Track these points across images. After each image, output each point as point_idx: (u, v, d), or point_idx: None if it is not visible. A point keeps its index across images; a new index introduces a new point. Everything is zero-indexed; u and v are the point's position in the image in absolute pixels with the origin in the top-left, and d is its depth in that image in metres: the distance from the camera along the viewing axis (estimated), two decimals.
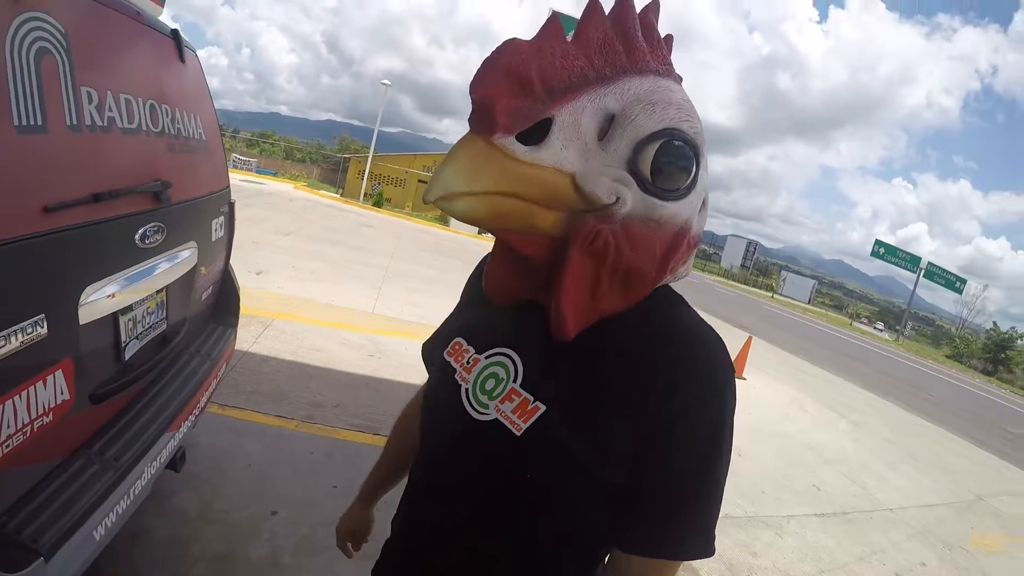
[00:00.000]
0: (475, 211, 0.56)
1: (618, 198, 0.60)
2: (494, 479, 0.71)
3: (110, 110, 1.53)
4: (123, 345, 1.71)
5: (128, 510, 1.57)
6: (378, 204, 21.69)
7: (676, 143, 0.60)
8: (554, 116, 0.56)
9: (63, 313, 1.38)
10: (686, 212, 0.65)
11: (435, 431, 0.81)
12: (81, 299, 1.45)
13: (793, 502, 3.95)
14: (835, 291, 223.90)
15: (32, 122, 1.24)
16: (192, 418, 2.04)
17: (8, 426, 1.21)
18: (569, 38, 0.59)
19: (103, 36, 1.54)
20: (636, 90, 0.60)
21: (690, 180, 0.63)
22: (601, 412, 0.66)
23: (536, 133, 0.56)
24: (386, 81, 26.15)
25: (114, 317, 1.65)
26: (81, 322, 1.45)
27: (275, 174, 25.26)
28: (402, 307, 6.66)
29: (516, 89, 0.55)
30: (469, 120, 0.56)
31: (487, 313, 0.78)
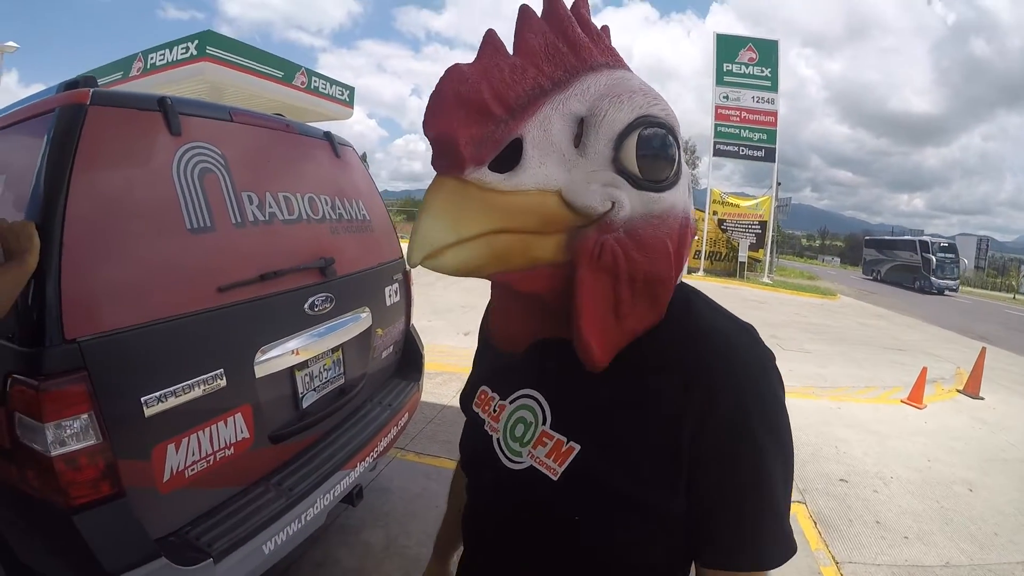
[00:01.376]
0: (471, 260, 0.51)
1: (614, 203, 0.55)
2: (542, 529, 0.67)
3: (271, 207, 1.95)
4: (300, 395, 2.08)
5: (300, 533, 1.86)
6: None
7: (654, 129, 0.56)
8: (523, 135, 0.51)
9: (240, 369, 1.76)
10: (681, 199, 0.61)
11: (475, 484, 0.79)
12: (256, 358, 1.83)
13: None
14: None
15: (201, 224, 1.66)
16: (370, 459, 2.34)
17: (193, 454, 1.59)
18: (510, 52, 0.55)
19: (258, 149, 1.99)
20: (596, 87, 0.56)
21: (676, 164, 0.59)
22: (639, 441, 0.61)
23: (509, 158, 0.51)
24: None
25: (291, 372, 2.02)
26: (257, 376, 1.83)
27: None
28: None
29: (474, 116, 0.49)
30: (433, 163, 0.51)
31: (506, 355, 0.71)
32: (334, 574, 2.39)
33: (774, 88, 20.13)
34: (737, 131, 19.95)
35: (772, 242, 21.78)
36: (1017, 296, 33.32)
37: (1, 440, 1.37)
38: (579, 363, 0.60)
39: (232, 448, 1.73)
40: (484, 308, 0.81)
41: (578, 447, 0.64)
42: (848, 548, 2.91)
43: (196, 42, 9.13)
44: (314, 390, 2.17)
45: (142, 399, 1.44)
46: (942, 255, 29.20)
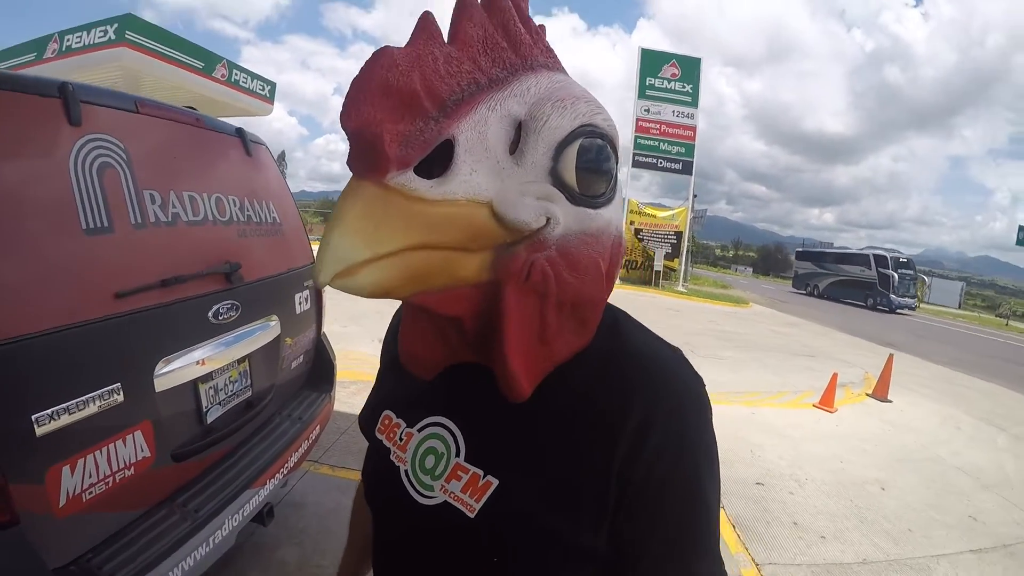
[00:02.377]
0: (386, 279, 0.44)
1: (549, 219, 0.50)
2: (458, 569, 0.60)
3: (174, 207, 1.82)
4: (205, 410, 1.94)
5: (209, 557, 1.74)
6: None
7: (595, 140, 0.51)
8: (455, 136, 0.44)
9: (139, 382, 1.62)
10: (616, 217, 0.56)
11: (382, 518, 0.70)
12: (156, 370, 1.69)
13: (944, 538, 3.39)
14: (986, 290, 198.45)
15: (99, 224, 1.52)
16: (280, 476, 2.23)
17: (90, 476, 1.44)
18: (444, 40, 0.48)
19: (163, 144, 1.85)
20: (536, 89, 0.50)
21: (613, 180, 0.54)
22: (566, 472, 0.57)
23: (434, 162, 0.44)
24: None
25: (193, 385, 1.89)
26: (157, 390, 1.69)
27: None
28: None
29: (401, 109, 0.42)
30: (350, 163, 0.44)
31: (414, 378, 0.62)
32: None
33: (694, 104, 21.43)
34: (656, 144, 21.08)
35: (687, 252, 22.98)
36: (922, 305, 35.97)
37: None
38: (495, 390, 0.54)
39: (132, 468, 1.59)
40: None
41: (496, 482, 0.58)
42: (767, 550, 3.07)
43: (116, 26, 8.47)
44: (219, 404, 2.04)
45: (32, 417, 1.29)
46: (902, 271, 27.84)
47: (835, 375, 6.36)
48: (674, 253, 22.01)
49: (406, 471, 0.65)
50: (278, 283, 2.43)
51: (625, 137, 21.20)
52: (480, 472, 0.59)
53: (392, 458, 0.67)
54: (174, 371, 1.77)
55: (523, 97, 0.49)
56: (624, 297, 16.68)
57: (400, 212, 0.42)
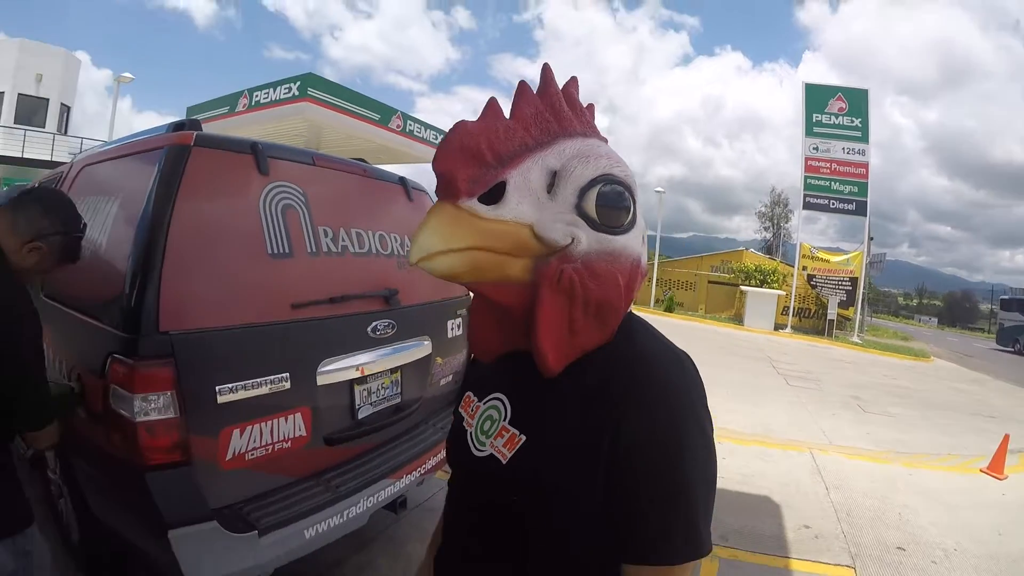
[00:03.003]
0: (455, 266, 0.65)
1: (573, 239, 0.69)
2: (492, 505, 0.79)
3: (343, 240, 2.29)
4: (357, 407, 2.36)
5: (341, 528, 2.09)
6: (669, 309, 21.76)
7: (613, 185, 0.71)
8: (507, 179, 0.66)
9: (303, 375, 2.07)
10: (634, 244, 0.74)
11: (452, 468, 0.92)
12: (319, 368, 2.14)
13: None
14: None
15: (281, 251, 2.02)
16: (416, 474, 2.56)
17: (254, 441, 1.89)
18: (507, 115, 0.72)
19: (336, 190, 2.35)
20: (570, 149, 0.71)
21: (631, 216, 0.73)
22: (572, 440, 0.72)
23: (493, 196, 0.66)
24: (659, 189, 26.76)
25: (350, 385, 2.31)
26: (318, 384, 2.13)
27: None
28: None
29: (471, 161, 0.65)
30: (436, 191, 0.67)
31: (487, 366, 0.87)
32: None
33: (864, 139, 19.25)
34: (827, 183, 19.20)
35: (863, 299, 20.35)
36: None
37: (95, 407, 1.74)
38: (536, 371, 0.73)
39: (289, 442, 2.02)
40: None
41: (524, 438, 0.76)
42: None
43: (299, 83, 9.95)
44: (370, 404, 2.44)
45: (216, 387, 1.77)
46: None
47: (1007, 437, 5.22)
48: (849, 301, 19.46)
49: (470, 433, 0.85)
50: (432, 309, 2.82)
51: (794, 178, 19.67)
52: (516, 432, 0.78)
53: (464, 424, 0.88)
54: (334, 371, 2.20)
55: (560, 155, 0.70)
56: (793, 346, 15.28)
57: (467, 223, 0.64)
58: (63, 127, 20.11)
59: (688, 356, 0.77)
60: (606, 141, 0.80)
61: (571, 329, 0.71)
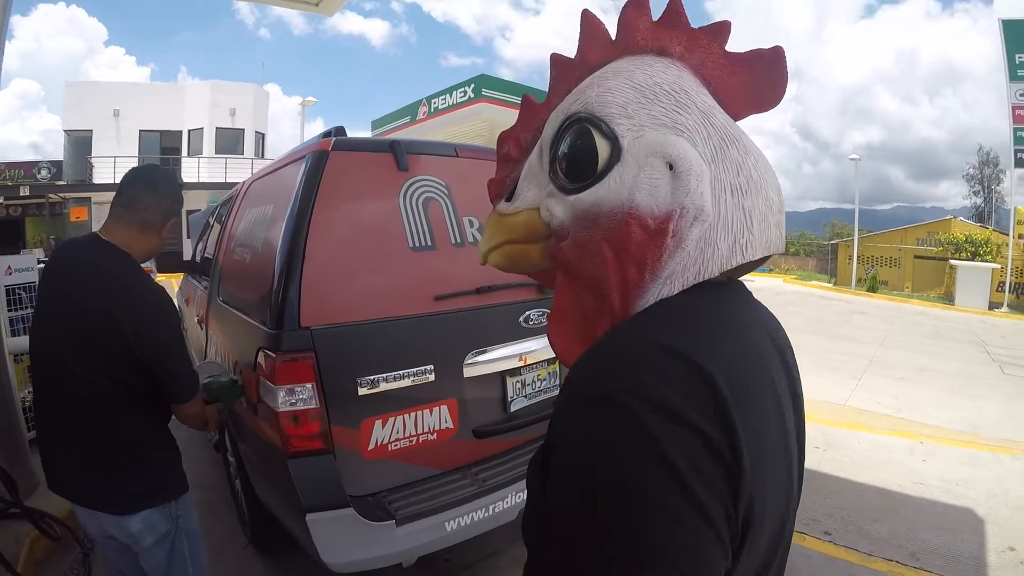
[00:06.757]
0: (499, 261, 0.67)
1: (550, 212, 0.58)
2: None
3: None
4: (509, 399, 2.30)
5: (486, 522, 2.06)
6: (872, 289, 18.61)
7: (573, 128, 0.55)
8: (522, 173, 0.64)
9: (449, 367, 2.06)
10: (613, 194, 0.53)
11: None
12: (465, 359, 2.11)
13: None
14: None
15: (423, 243, 2.01)
16: None
17: (397, 432, 1.93)
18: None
19: (482, 179, 2.27)
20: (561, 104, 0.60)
21: (607, 153, 0.53)
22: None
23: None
24: (855, 156, 23.01)
25: (501, 377, 2.26)
26: (465, 376, 2.11)
27: (769, 270, 24.67)
28: (880, 398, 5.69)
29: (502, 164, 0.70)
30: None
31: None
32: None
33: None
34: None
35: None
36: None
37: (252, 397, 1.90)
38: None
39: (435, 434, 2.03)
40: None
41: None
42: None
43: (472, 86, 10.48)
44: (524, 396, 2.37)
45: (357, 380, 1.83)
46: None
47: None
48: None
49: None
50: None
51: (1003, 133, 15.35)
52: None
53: None
54: (482, 362, 2.16)
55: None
56: (1009, 328, 12.06)
57: (495, 223, 0.66)
58: (260, 152, 23.25)
59: (683, 349, 0.45)
60: (658, 52, 0.57)
61: (588, 317, 0.58)
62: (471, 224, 2.17)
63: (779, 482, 0.50)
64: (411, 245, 2.00)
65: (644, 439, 0.40)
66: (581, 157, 0.54)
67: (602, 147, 0.53)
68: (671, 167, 0.50)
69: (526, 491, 0.57)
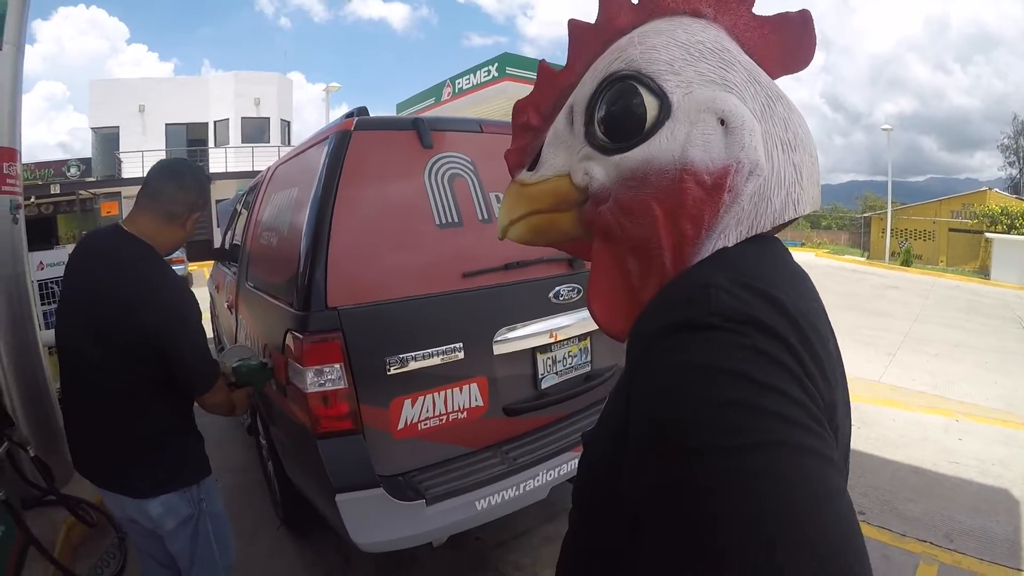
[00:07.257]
0: (523, 234, 0.64)
1: (589, 175, 0.56)
2: None
3: None
4: (540, 376, 2.27)
5: (517, 501, 2.03)
6: (906, 263, 18.09)
7: (616, 86, 0.53)
8: (545, 140, 0.62)
9: (478, 345, 2.03)
10: (665, 151, 0.51)
11: None
12: (495, 337, 2.08)
13: None
14: None
15: (449, 220, 1.97)
16: None
17: (427, 411, 1.91)
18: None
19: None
20: (596, 65, 0.57)
21: (657, 110, 0.51)
22: (613, 407, 0.54)
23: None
24: (886, 126, 22.05)
25: (532, 353, 2.23)
26: (495, 353, 2.08)
27: (800, 244, 24.13)
28: (915, 375, 5.56)
29: (520, 133, 0.67)
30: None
31: None
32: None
33: None
34: None
35: None
36: None
37: (281, 379, 1.89)
38: None
39: (465, 413, 2.01)
40: None
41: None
42: None
43: (496, 65, 10.43)
44: (555, 373, 2.33)
45: (386, 359, 1.80)
46: None
47: None
48: None
49: None
50: None
51: None
52: None
53: None
54: (512, 339, 2.12)
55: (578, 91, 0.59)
56: None
57: (517, 193, 0.63)
58: (286, 139, 23.20)
59: (765, 295, 0.44)
60: (698, 15, 0.56)
61: (629, 284, 0.55)
62: (498, 200, 2.13)
63: (846, 433, 0.50)
64: (438, 222, 1.96)
65: (750, 353, 0.40)
66: (626, 116, 0.53)
67: (651, 104, 0.52)
68: (723, 123, 0.50)
69: (587, 470, 0.56)
